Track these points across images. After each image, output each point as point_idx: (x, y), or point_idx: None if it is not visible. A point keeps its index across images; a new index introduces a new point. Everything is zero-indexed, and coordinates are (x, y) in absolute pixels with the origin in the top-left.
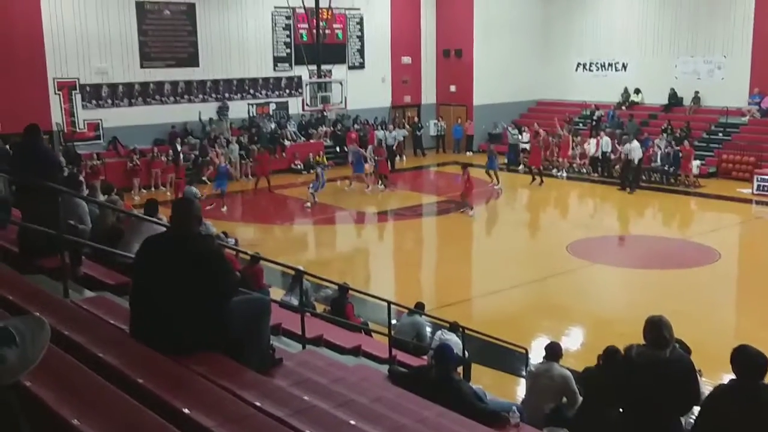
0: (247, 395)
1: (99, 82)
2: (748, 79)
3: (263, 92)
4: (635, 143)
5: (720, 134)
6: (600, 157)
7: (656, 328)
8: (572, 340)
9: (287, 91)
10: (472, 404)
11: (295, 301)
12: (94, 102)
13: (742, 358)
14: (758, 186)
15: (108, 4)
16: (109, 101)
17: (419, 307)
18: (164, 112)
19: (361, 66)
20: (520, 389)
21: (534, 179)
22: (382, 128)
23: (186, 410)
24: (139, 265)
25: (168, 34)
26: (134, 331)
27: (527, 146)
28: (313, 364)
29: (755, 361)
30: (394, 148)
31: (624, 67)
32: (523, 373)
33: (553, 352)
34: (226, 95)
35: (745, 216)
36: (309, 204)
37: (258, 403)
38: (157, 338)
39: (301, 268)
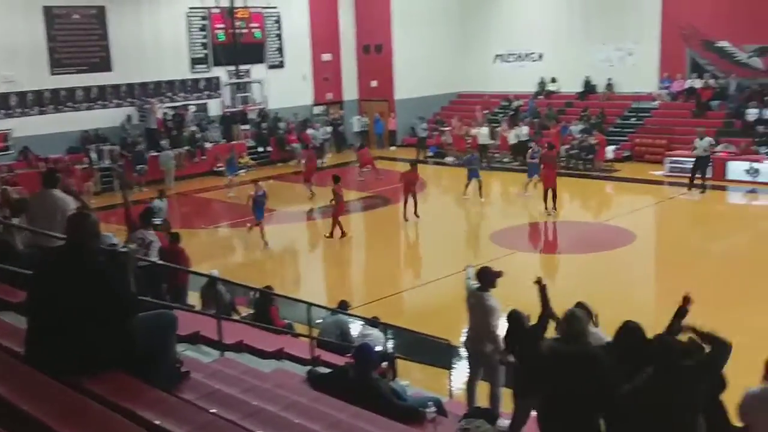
0: (148, 414)
1: (6, 90)
2: (658, 65)
3: (181, 94)
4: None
5: (633, 119)
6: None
7: (568, 322)
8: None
9: (206, 92)
10: (389, 402)
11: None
12: (2, 112)
13: (659, 350)
14: (670, 168)
15: (14, 9)
16: (18, 110)
17: (342, 306)
18: (77, 119)
19: (281, 65)
20: (447, 381)
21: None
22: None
23: None
24: (33, 281)
25: (78, 39)
26: (29, 353)
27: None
28: (225, 373)
29: (672, 349)
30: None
31: (540, 57)
32: (451, 365)
33: (485, 279)
34: (143, 98)
35: (659, 197)
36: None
37: (158, 422)
38: (54, 359)
39: (216, 273)
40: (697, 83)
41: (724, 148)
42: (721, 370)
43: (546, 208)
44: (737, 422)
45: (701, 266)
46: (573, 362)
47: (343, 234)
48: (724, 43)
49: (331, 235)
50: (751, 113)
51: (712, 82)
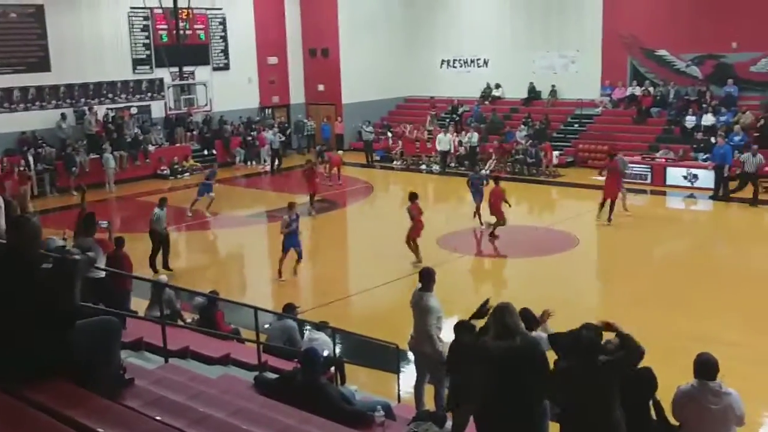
0: (91, 422)
1: None
2: (600, 72)
3: (123, 96)
4: None
5: (576, 125)
6: (451, 150)
7: (500, 316)
8: (444, 334)
9: (149, 94)
10: (338, 407)
11: (157, 313)
12: None
13: (577, 343)
14: None
15: None
16: None
17: (289, 309)
18: (14, 121)
19: (226, 67)
20: (395, 385)
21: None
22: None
23: None
24: None
25: (15, 38)
26: None
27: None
28: (171, 380)
29: (591, 344)
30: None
31: (485, 62)
32: (399, 368)
33: (426, 279)
34: (83, 100)
35: None
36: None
37: (101, 430)
38: None
39: (164, 278)
40: (638, 91)
41: (663, 154)
42: (629, 369)
43: (598, 217)
44: (674, 421)
45: (642, 270)
46: (511, 356)
47: (419, 260)
48: (663, 52)
49: (420, 260)
50: (690, 120)
51: (652, 89)
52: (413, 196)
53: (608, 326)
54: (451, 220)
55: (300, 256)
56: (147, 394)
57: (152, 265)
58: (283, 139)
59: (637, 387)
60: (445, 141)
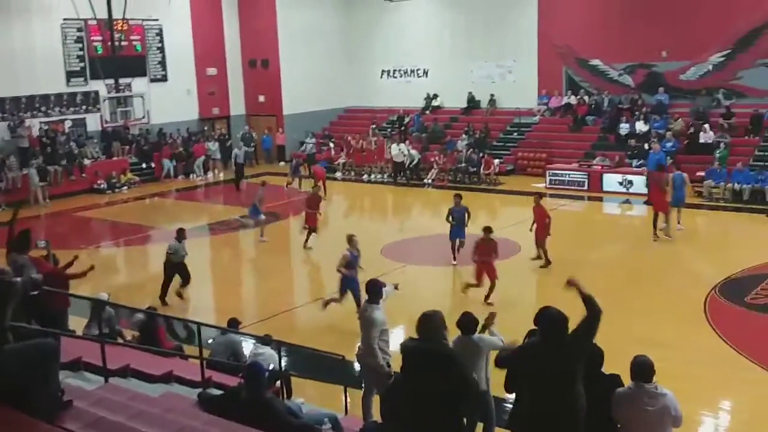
0: None
1: None
2: (536, 81)
3: (56, 109)
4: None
5: (515, 134)
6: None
7: (419, 323)
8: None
9: (84, 107)
10: (284, 421)
11: (96, 331)
12: None
13: (546, 319)
14: (550, 180)
15: None
16: None
17: (233, 324)
18: None
19: (164, 78)
20: (342, 397)
21: None
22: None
23: None
24: None
25: None
26: None
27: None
28: (111, 400)
29: (558, 320)
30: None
31: (425, 73)
32: (346, 380)
33: (371, 291)
34: (15, 113)
35: None
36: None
37: None
38: None
39: (106, 296)
40: (573, 99)
41: (600, 161)
42: (593, 335)
43: (655, 233)
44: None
45: (581, 274)
46: (425, 359)
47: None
48: (596, 62)
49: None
50: (623, 128)
51: (587, 98)
52: (488, 230)
53: (572, 284)
54: (400, 230)
55: (358, 302)
56: (86, 415)
57: (162, 296)
58: (247, 150)
59: (605, 393)
60: (398, 152)
